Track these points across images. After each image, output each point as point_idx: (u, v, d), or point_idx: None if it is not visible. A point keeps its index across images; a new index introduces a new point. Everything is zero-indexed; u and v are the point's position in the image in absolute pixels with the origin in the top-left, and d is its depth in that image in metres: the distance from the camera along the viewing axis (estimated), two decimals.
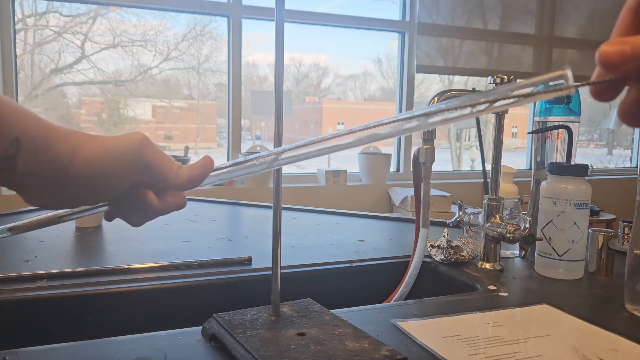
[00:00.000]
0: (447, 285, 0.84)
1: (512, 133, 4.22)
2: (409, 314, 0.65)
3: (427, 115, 0.38)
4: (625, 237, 0.84)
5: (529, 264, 0.88)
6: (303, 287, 0.82)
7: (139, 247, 0.93)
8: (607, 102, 0.34)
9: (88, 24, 2.86)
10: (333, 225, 1.19)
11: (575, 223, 0.79)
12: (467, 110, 0.36)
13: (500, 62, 3.45)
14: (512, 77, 0.84)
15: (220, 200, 1.53)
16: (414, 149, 0.88)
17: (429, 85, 3.71)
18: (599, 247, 0.83)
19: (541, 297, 0.72)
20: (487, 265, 0.85)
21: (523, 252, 0.78)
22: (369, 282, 0.88)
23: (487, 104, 0.35)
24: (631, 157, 4.22)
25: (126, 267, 0.79)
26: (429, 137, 0.84)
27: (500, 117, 0.86)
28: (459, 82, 3.61)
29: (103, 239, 0.99)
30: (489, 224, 0.85)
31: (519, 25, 3.46)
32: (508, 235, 0.81)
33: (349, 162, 3.22)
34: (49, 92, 2.91)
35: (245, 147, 3.05)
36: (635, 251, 0.68)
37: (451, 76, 3.60)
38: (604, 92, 0.34)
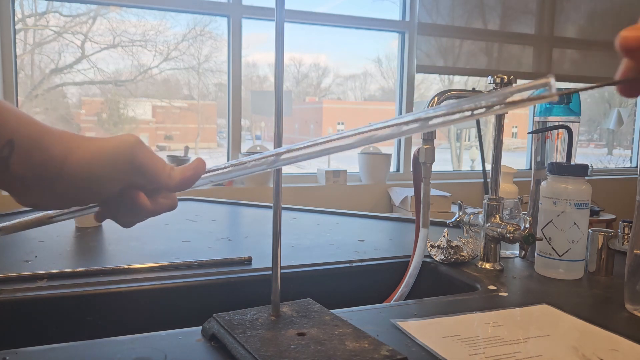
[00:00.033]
0: (447, 285, 0.84)
1: (512, 133, 4.22)
2: (409, 314, 0.65)
3: (400, 125, 0.39)
4: (625, 237, 0.84)
5: (529, 264, 0.88)
6: (303, 287, 0.82)
7: (139, 247, 0.93)
8: (634, 98, 0.36)
9: (88, 24, 2.86)
10: (333, 225, 1.19)
11: (575, 223, 0.79)
12: (456, 116, 0.38)
13: (500, 62, 3.45)
14: (512, 77, 0.85)
15: (220, 200, 1.53)
16: (414, 149, 0.88)
17: (429, 85, 3.71)
18: (599, 247, 0.83)
19: (541, 297, 0.72)
20: (487, 265, 0.85)
21: (523, 252, 0.78)
22: (369, 282, 0.88)
23: (469, 112, 0.36)
24: (631, 157, 4.22)
25: (126, 267, 0.79)
26: (429, 137, 0.84)
27: (500, 117, 0.86)
28: (459, 82, 3.61)
29: (103, 239, 0.99)
30: (489, 224, 0.85)
31: (519, 25, 3.46)
32: (508, 235, 0.81)
33: (349, 162, 3.22)
34: (49, 92, 2.91)
35: (245, 147, 3.05)
36: (635, 251, 0.68)
37: (451, 76, 3.60)
38: (631, 89, 0.36)
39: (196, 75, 3.16)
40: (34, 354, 0.52)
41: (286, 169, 3.08)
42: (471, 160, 3.96)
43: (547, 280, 0.80)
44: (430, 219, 0.88)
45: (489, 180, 0.88)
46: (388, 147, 3.37)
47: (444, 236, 0.89)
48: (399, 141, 3.36)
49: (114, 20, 2.85)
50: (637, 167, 4.08)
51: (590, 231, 0.83)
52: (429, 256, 0.89)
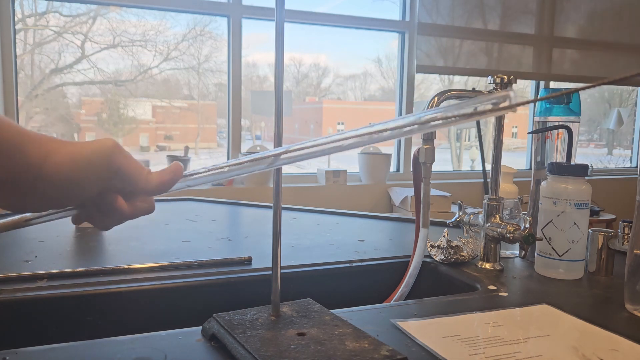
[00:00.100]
0: (447, 285, 0.84)
1: (512, 133, 4.22)
2: (409, 314, 0.65)
3: (368, 133, 0.41)
4: (625, 237, 0.84)
5: (529, 264, 0.88)
6: (303, 287, 0.82)
7: (139, 247, 0.93)
8: None
9: (88, 24, 2.86)
10: (333, 225, 1.19)
11: (575, 223, 0.79)
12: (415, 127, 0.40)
13: (500, 62, 3.45)
14: (512, 77, 0.85)
15: (220, 200, 1.53)
16: (414, 149, 0.88)
17: (429, 85, 3.71)
18: (599, 247, 0.83)
19: (541, 297, 0.72)
20: (487, 265, 0.85)
21: (523, 252, 0.78)
22: (369, 282, 0.88)
23: (440, 121, 0.39)
24: (631, 157, 4.22)
25: (126, 267, 0.79)
26: (429, 137, 0.84)
27: (500, 117, 0.86)
28: (459, 82, 3.61)
29: (103, 239, 0.99)
30: (489, 224, 0.85)
31: (519, 25, 3.46)
32: (508, 235, 0.81)
33: (349, 162, 3.22)
34: (49, 92, 2.91)
35: (245, 147, 3.05)
36: (635, 251, 0.68)
37: (451, 76, 3.60)
38: None
39: (196, 75, 3.16)
40: (34, 354, 0.52)
41: (286, 169, 3.08)
42: (471, 160, 3.96)
43: (547, 280, 0.80)
44: (430, 219, 0.88)
45: (489, 180, 0.88)
46: (388, 147, 3.37)
47: (444, 236, 0.89)
48: (399, 141, 3.36)
49: (114, 20, 2.85)
50: (637, 167, 4.08)
51: (590, 231, 0.83)
52: (429, 256, 0.89)
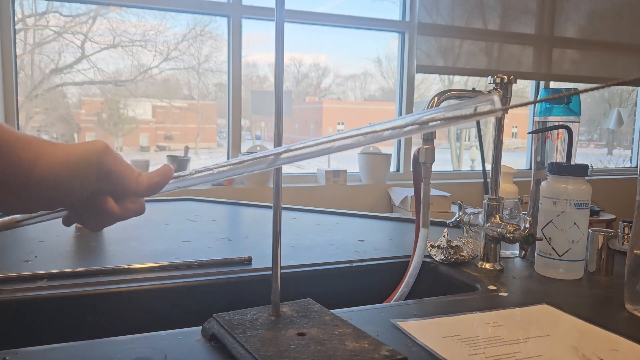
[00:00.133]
0: (447, 285, 0.84)
1: (512, 133, 4.22)
2: (409, 314, 0.65)
3: (361, 134, 0.42)
4: (625, 237, 0.84)
5: (529, 264, 0.88)
6: (303, 287, 0.82)
7: (139, 247, 0.93)
8: None
9: (88, 24, 2.86)
10: (333, 225, 1.19)
11: (575, 223, 0.79)
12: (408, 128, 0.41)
13: (500, 62, 3.45)
14: (512, 77, 0.85)
15: (220, 200, 1.53)
16: (414, 149, 0.88)
17: (429, 85, 3.71)
18: (599, 247, 0.83)
19: (541, 297, 0.72)
20: (487, 265, 0.85)
21: (523, 252, 0.78)
22: (369, 282, 0.88)
23: (440, 121, 0.39)
24: (631, 157, 4.22)
25: (126, 267, 0.79)
26: (429, 137, 0.84)
27: (500, 117, 0.86)
28: (459, 82, 3.61)
29: (103, 239, 0.99)
30: (489, 224, 0.85)
31: (519, 25, 3.46)
32: (508, 235, 0.81)
33: (349, 162, 3.22)
34: (49, 92, 2.91)
35: (245, 147, 3.05)
36: (635, 251, 0.68)
37: (451, 76, 3.60)
38: None
39: (196, 75, 3.16)
40: (34, 354, 0.52)
41: (286, 169, 3.08)
42: (471, 160, 3.96)
43: (547, 280, 0.80)
44: (430, 219, 0.88)
45: (489, 180, 0.88)
46: (388, 147, 3.37)
47: (444, 236, 0.89)
48: (399, 141, 3.36)
49: (114, 20, 2.85)
50: (637, 167, 4.08)
51: (590, 231, 0.83)
52: (429, 256, 0.89)
